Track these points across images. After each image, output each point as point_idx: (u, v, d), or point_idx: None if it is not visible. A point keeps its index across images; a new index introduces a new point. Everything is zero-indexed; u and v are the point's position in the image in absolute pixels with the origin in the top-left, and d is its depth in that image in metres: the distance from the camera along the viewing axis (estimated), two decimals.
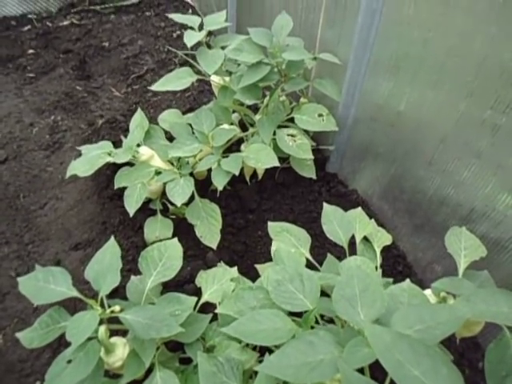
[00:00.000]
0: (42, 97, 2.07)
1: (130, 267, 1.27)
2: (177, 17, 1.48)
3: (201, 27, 1.43)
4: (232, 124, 1.46)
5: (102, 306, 0.85)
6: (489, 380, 0.71)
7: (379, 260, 1.13)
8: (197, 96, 2.01)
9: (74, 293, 0.83)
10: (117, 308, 0.85)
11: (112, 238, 0.96)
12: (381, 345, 0.58)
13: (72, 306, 1.18)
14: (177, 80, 1.39)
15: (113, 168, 1.49)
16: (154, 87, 1.40)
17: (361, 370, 0.67)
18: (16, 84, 2.17)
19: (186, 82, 1.40)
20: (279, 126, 1.40)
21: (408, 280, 0.87)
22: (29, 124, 1.90)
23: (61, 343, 1.18)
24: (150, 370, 0.92)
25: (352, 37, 1.31)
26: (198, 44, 1.41)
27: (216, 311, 0.89)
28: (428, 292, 0.95)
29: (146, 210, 1.43)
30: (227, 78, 1.45)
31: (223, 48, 1.37)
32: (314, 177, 1.50)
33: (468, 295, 0.74)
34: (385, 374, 0.70)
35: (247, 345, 0.91)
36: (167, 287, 1.17)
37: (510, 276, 1.03)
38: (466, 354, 1.15)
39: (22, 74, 2.26)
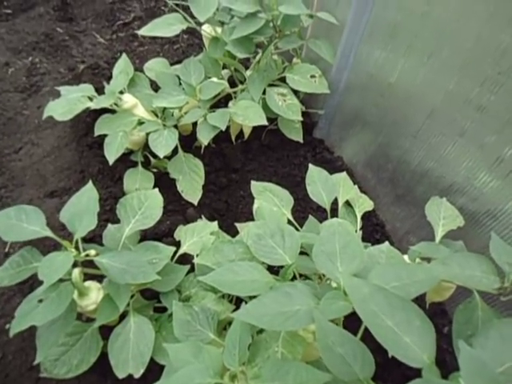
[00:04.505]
0: (20, 36, 1.94)
1: (108, 217, 1.24)
2: None
3: None
4: (221, 79, 1.40)
5: (77, 249, 0.83)
6: (455, 338, 0.74)
7: (359, 225, 1.14)
8: (185, 49, 1.92)
9: (48, 232, 0.80)
10: (92, 252, 0.82)
11: (90, 182, 0.92)
12: (358, 296, 0.58)
13: (46, 251, 1.15)
14: (166, 26, 1.32)
15: (93, 115, 1.42)
16: (142, 31, 1.32)
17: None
18: None
19: (175, 29, 1.32)
20: (270, 85, 1.36)
21: (387, 242, 0.88)
22: (4, 63, 1.79)
23: (32, 288, 1.16)
24: (123, 317, 0.92)
25: None
26: None
27: (194, 261, 0.88)
28: (404, 258, 0.97)
29: (126, 162, 1.38)
30: (219, 30, 1.38)
31: None
32: (301, 140, 1.48)
33: (443, 258, 0.76)
34: (356, 328, 0.72)
35: (223, 296, 0.91)
36: (145, 240, 1.15)
37: (483, 249, 1.06)
38: (433, 319, 1.18)
39: None
